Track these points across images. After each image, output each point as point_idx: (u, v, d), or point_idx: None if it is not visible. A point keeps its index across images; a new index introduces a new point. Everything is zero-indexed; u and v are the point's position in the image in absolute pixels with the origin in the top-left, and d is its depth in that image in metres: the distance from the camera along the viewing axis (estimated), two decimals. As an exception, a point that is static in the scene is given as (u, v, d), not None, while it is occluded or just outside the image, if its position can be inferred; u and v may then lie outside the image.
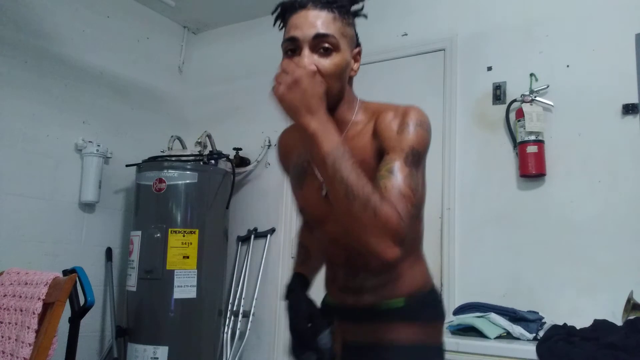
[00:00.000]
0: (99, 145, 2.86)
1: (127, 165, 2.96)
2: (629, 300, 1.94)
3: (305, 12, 1.03)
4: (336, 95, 1.06)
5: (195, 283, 2.70)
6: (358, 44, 1.13)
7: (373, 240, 0.91)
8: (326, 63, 1.02)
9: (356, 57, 1.12)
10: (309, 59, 1.00)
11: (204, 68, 3.52)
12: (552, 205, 2.30)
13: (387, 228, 0.90)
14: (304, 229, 1.37)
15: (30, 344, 1.62)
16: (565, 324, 2.01)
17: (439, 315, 1.20)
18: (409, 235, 1.03)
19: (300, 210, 1.25)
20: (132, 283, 2.74)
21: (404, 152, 1.00)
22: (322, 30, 1.01)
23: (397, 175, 0.96)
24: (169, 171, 2.78)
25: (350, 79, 1.12)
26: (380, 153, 1.03)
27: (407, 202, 0.94)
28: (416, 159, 1.00)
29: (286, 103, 0.92)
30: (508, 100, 2.45)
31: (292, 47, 1.04)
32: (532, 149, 2.29)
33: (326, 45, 1.02)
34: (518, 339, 1.92)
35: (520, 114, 2.35)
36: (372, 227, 0.90)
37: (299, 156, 1.18)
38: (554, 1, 2.45)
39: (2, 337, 1.73)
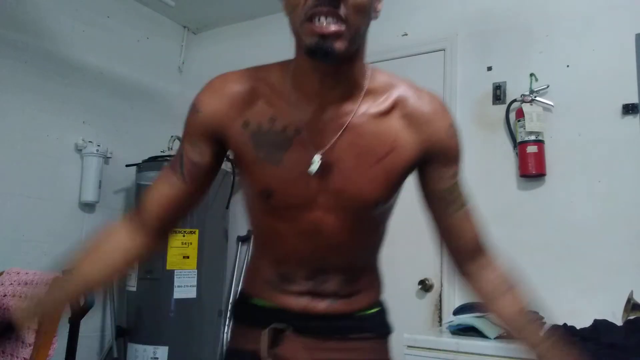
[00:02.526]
0: (99, 145, 2.86)
1: (127, 165, 2.96)
2: (629, 300, 1.94)
3: None
4: (359, 39, 0.85)
5: (195, 283, 2.70)
6: None
7: None
8: None
9: None
10: None
11: (204, 68, 3.52)
12: (552, 205, 2.30)
13: None
14: (123, 225, 1.01)
15: (30, 344, 1.62)
16: (565, 324, 2.01)
17: (391, 326, 1.08)
18: (382, 239, 1.05)
19: (264, 194, 0.92)
20: (132, 283, 2.74)
21: (458, 163, 1.00)
22: None
23: (466, 194, 1.01)
24: (169, 171, 2.77)
25: (368, 27, 0.89)
26: (423, 152, 0.93)
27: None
28: (461, 163, 1.02)
29: None
30: (508, 100, 2.45)
31: None
32: (532, 149, 2.29)
33: None
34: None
35: (520, 114, 2.35)
36: None
37: (272, 120, 0.89)
38: (554, 1, 2.45)
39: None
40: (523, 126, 2.32)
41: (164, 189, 0.96)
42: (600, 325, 1.91)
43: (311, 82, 0.88)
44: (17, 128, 2.61)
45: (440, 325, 2.40)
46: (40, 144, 2.70)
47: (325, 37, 0.78)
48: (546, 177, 2.32)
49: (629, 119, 2.20)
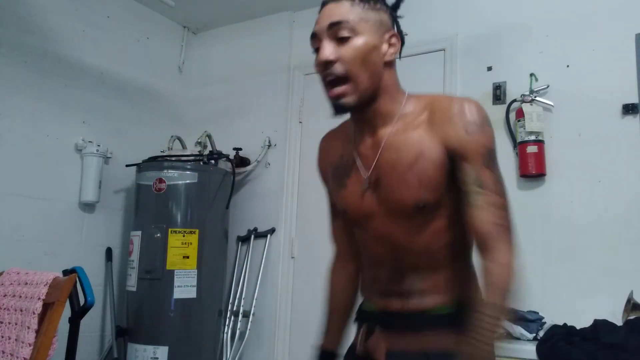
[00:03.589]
0: (99, 145, 2.86)
1: (127, 165, 2.96)
2: (629, 300, 1.94)
3: (325, 7, 1.05)
4: (368, 84, 1.02)
5: (195, 283, 2.70)
6: (395, 29, 1.11)
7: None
8: (347, 49, 1.00)
9: (390, 41, 1.06)
10: (328, 49, 1.00)
11: (204, 68, 3.52)
12: (552, 205, 2.30)
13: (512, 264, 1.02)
14: (336, 265, 1.29)
15: (30, 344, 1.62)
16: (565, 324, 2.01)
17: None
18: (460, 239, 1.09)
19: (343, 213, 1.17)
20: (132, 283, 2.74)
21: (483, 157, 1.03)
22: (335, 19, 1.01)
23: (487, 187, 1.01)
24: (169, 171, 2.78)
25: (389, 66, 1.07)
26: (447, 152, 1.02)
27: (504, 210, 1.02)
28: (493, 156, 1.04)
29: None
30: (508, 100, 2.45)
31: (315, 45, 1.04)
32: (532, 149, 2.29)
33: (343, 32, 1.00)
34: (518, 339, 1.92)
35: (520, 114, 2.35)
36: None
37: (341, 156, 1.16)
38: (554, 1, 2.45)
39: (2, 337, 1.73)
40: (523, 126, 2.32)
41: (338, 224, 1.26)
42: (600, 325, 1.91)
43: (357, 124, 1.12)
44: (17, 128, 2.61)
45: (440, 325, 2.40)
46: (40, 144, 2.70)
47: (336, 98, 1.02)
48: (546, 177, 2.32)
49: (629, 119, 2.20)
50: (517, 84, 2.43)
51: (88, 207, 2.90)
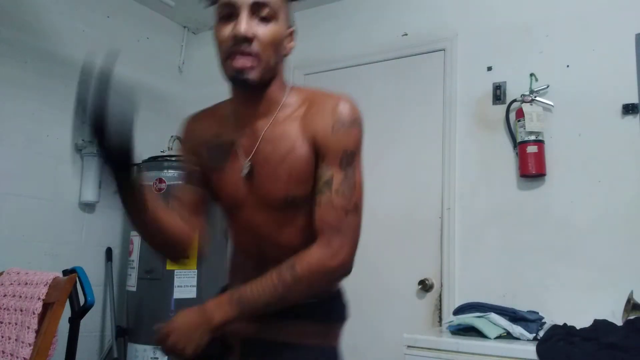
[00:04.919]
0: (99, 145, 2.86)
1: (127, 165, 2.96)
2: (629, 300, 1.94)
3: None
4: (272, 68, 1.06)
5: (195, 283, 2.70)
6: (292, 26, 1.13)
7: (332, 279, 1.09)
8: (265, 30, 1.02)
9: (291, 36, 1.12)
10: (248, 24, 1.00)
11: (204, 68, 3.52)
12: (552, 205, 2.30)
13: (332, 268, 1.02)
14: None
15: (30, 344, 1.62)
16: (565, 324, 2.01)
17: (343, 317, 1.18)
18: (312, 233, 1.10)
19: (216, 195, 1.16)
20: (132, 283, 2.74)
21: (340, 158, 1.04)
22: None
23: (333, 188, 1.03)
24: (169, 171, 2.78)
25: (284, 58, 1.11)
26: (314, 148, 1.05)
27: (343, 213, 1.02)
28: (350, 159, 1.05)
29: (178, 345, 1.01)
30: (508, 100, 2.45)
31: (228, 12, 1.02)
32: (532, 149, 2.29)
33: (266, 12, 1.02)
34: (518, 339, 1.92)
35: (520, 114, 2.35)
36: (323, 282, 1.05)
37: (217, 136, 1.14)
38: (554, 1, 2.44)
39: (2, 337, 1.73)
40: (523, 126, 2.32)
41: (184, 195, 1.22)
42: (600, 325, 1.91)
43: (239, 105, 1.11)
44: (17, 128, 2.60)
45: (440, 325, 2.40)
46: (40, 144, 2.69)
47: (241, 70, 1.01)
48: (546, 177, 2.32)
49: (629, 119, 2.20)
50: (517, 84, 2.43)
51: (88, 207, 2.90)
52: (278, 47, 1.05)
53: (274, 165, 1.06)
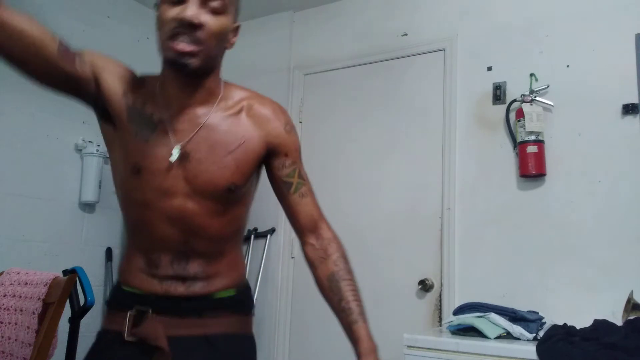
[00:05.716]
0: (99, 145, 2.86)
1: (127, 165, 2.96)
2: (629, 300, 1.94)
3: None
4: (213, 58, 1.06)
5: (195, 283, 2.69)
6: (237, 20, 1.14)
7: None
8: (213, 21, 1.01)
9: (236, 31, 1.12)
10: (196, 10, 0.98)
11: (204, 68, 3.52)
12: (552, 205, 2.30)
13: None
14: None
15: (30, 344, 1.62)
16: (565, 324, 2.01)
17: (253, 306, 1.24)
18: (241, 226, 1.19)
19: (135, 168, 1.06)
20: (132, 283, 2.73)
21: (299, 153, 1.18)
22: None
23: (306, 179, 1.17)
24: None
25: (225, 51, 1.11)
26: (266, 145, 1.12)
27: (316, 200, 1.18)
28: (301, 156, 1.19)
29: None
30: (508, 100, 2.45)
31: None
32: (532, 149, 2.29)
33: (216, 4, 1.01)
34: (518, 339, 1.92)
35: (520, 114, 2.35)
36: None
37: (143, 104, 1.08)
38: (554, 1, 2.45)
39: (2, 337, 1.73)
40: (523, 126, 2.32)
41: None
42: (600, 325, 1.90)
43: (173, 89, 1.07)
44: (17, 128, 2.61)
45: (440, 325, 2.40)
46: (40, 144, 2.70)
47: (182, 54, 0.99)
48: (546, 177, 2.32)
49: (629, 119, 2.20)
50: (517, 84, 2.43)
51: (88, 207, 2.90)
52: (222, 39, 1.05)
53: (221, 154, 1.07)
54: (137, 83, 1.10)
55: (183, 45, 0.98)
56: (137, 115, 1.07)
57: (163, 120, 1.06)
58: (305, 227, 1.16)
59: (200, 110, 1.08)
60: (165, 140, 1.05)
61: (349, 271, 1.12)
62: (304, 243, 1.18)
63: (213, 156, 1.06)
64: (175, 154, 1.04)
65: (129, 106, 1.07)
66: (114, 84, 1.08)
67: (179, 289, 1.08)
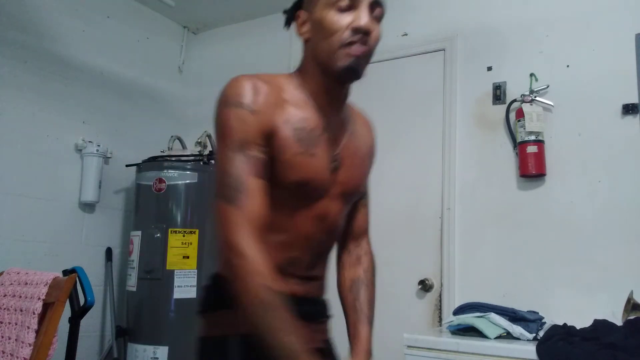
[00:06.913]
0: (99, 145, 2.86)
1: (127, 165, 2.96)
2: (629, 300, 1.94)
3: None
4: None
5: (195, 283, 2.70)
6: None
7: None
8: (377, 29, 1.03)
9: None
10: (369, 19, 1.00)
11: (204, 68, 3.52)
12: (552, 205, 2.30)
13: None
14: (254, 242, 0.92)
15: (30, 344, 1.62)
16: (565, 324, 2.01)
17: None
18: None
19: (301, 182, 1.02)
20: (132, 283, 2.74)
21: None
22: (381, 0, 1.04)
23: (368, 193, 1.25)
24: (169, 171, 2.78)
25: None
26: (371, 154, 1.23)
27: None
28: None
29: None
30: (508, 100, 2.45)
31: (348, 4, 1.00)
32: (532, 149, 2.29)
33: (378, 12, 1.03)
34: (518, 339, 1.92)
35: (520, 114, 2.35)
36: None
37: (304, 120, 1.03)
38: (554, 1, 2.45)
39: (2, 337, 1.73)
40: (523, 126, 2.32)
41: (264, 200, 0.95)
42: (600, 325, 1.90)
43: (328, 96, 1.06)
44: (17, 128, 2.61)
45: (440, 325, 2.40)
46: (40, 144, 2.70)
47: (358, 58, 1.00)
48: (546, 177, 2.32)
49: (629, 119, 2.20)
50: (517, 84, 2.43)
51: (88, 207, 2.91)
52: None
53: (361, 158, 1.14)
54: (278, 94, 1.02)
55: (355, 48, 0.99)
56: (303, 135, 1.02)
57: (323, 132, 1.05)
58: (353, 234, 1.21)
59: (343, 117, 1.12)
60: (326, 149, 1.06)
61: (373, 283, 1.21)
62: (343, 247, 1.22)
63: (357, 161, 1.13)
64: (335, 160, 1.08)
65: (294, 129, 1.01)
66: (276, 129, 0.99)
67: (312, 290, 1.10)
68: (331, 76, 1.02)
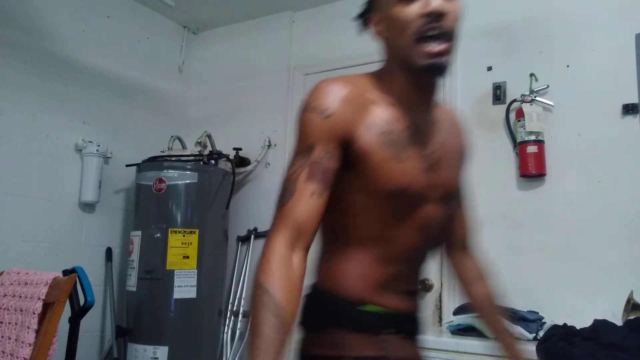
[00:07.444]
0: (99, 145, 2.86)
1: (127, 165, 2.96)
2: (629, 300, 1.94)
3: None
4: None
5: (195, 283, 2.70)
6: None
7: None
8: (453, 7, 0.95)
9: None
10: (440, 1, 0.92)
11: (204, 68, 3.52)
12: (552, 205, 2.30)
13: None
14: (291, 256, 0.92)
15: (30, 344, 1.62)
16: (565, 324, 2.01)
17: None
18: None
19: (396, 191, 0.95)
20: (132, 283, 2.74)
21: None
22: None
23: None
24: (169, 171, 2.78)
25: None
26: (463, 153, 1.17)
27: None
28: None
29: None
30: (508, 100, 2.45)
31: None
32: (532, 149, 2.29)
33: None
34: (518, 339, 1.92)
35: (520, 114, 2.35)
36: None
37: (391, 122, 0.96)
38: (554, 1, 2.45)
39: (2, 337, 1.73)
40: (523, 126, 2.32)
41: (315, 203, 0.90)
42: (600, 325, 1.90)
43: (416, 95, 1.00)
44: (17, 128, 2.60)
45: (440, 325, 2.40)
46: (40, 144, 2.69)
47: (436, 55, 0.91)
48: (546, 177, 2.32)
49: (629, 119, 2.20)
50: (517, 84, 2.43)
51: (88, 207, 2.90)
52: (459, 27, 0.97)
53: (455, 159, 1.09)
54: (363, 96, 0.97)
55: (439, 46, 0.91)
56: (390, 139, 0.95)
57: (414, 132, 0.98)
58: (460, 242, 1.23)
59: (433, 114, 1.04)
60: (418, 151, 0.99)
61: (492, 288, 1.25)
62: (454, 256, 1.23)
63: (451, 160, 1.07)
64: (429, 160, 1.00)
65: (380, 133, 0.95)
66: (351, 127, 0.94)
67: (415, 305, 1.05)
68: (414, 72, 0.95)
